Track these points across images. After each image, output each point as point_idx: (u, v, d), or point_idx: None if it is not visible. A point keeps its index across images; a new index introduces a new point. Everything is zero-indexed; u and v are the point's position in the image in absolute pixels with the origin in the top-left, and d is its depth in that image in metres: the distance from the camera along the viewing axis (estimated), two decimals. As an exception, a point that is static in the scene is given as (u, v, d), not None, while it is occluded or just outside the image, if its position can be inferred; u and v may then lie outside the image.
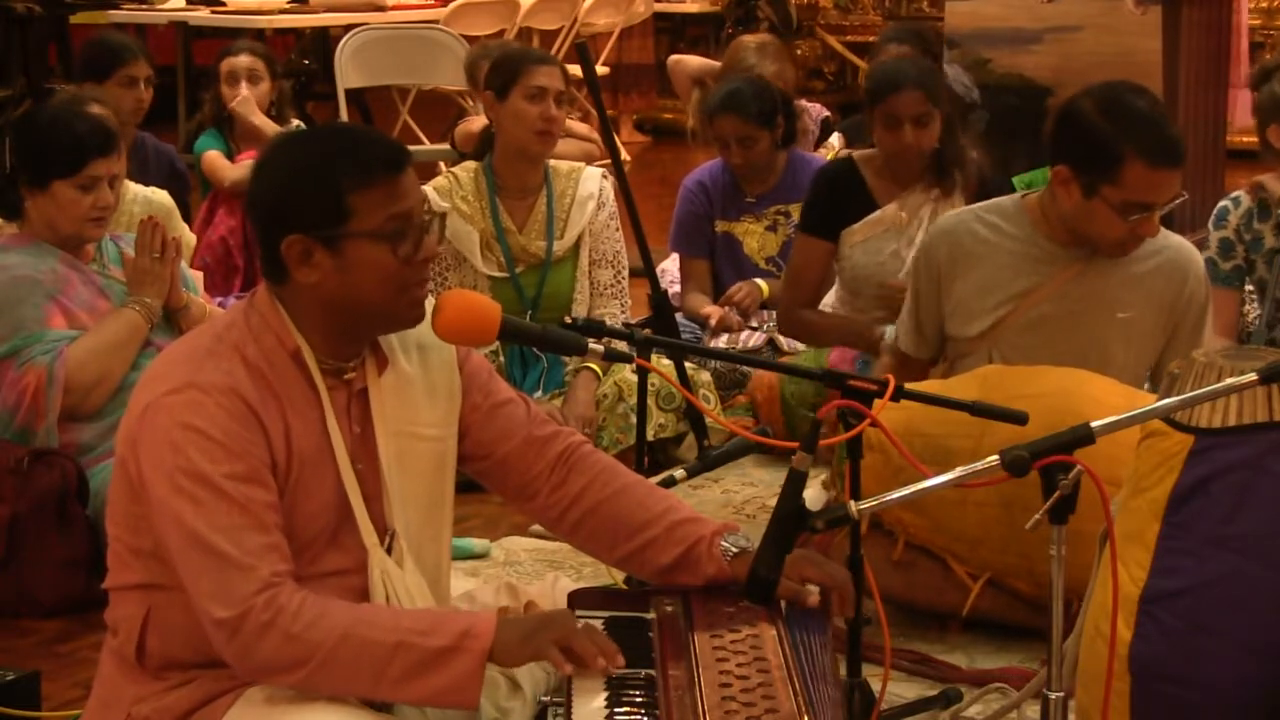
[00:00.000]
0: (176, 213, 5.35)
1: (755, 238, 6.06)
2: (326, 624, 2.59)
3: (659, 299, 4.35)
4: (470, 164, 5.38)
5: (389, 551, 2.82)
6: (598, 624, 2.69)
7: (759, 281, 5.96)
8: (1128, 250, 4.05)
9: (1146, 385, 4.26)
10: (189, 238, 5.54)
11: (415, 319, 2.81)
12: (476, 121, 7.10)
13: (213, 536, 2.61)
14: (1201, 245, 5.01)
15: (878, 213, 5.19)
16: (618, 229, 5.37)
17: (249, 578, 2.60)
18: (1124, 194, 3.91)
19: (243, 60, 6.61)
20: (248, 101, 6.54)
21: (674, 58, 8.45)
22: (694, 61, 8.20)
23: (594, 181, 5.35)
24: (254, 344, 2.75)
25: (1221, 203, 4.96)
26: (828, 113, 7.20)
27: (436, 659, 2.59)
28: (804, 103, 7.33)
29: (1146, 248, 4.10)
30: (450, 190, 5.28)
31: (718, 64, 7.45)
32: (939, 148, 5.19)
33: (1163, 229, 4.15)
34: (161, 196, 5.31)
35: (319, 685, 2.63)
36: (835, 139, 6.84)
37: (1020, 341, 4.13)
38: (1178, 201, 3.97)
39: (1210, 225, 4.94)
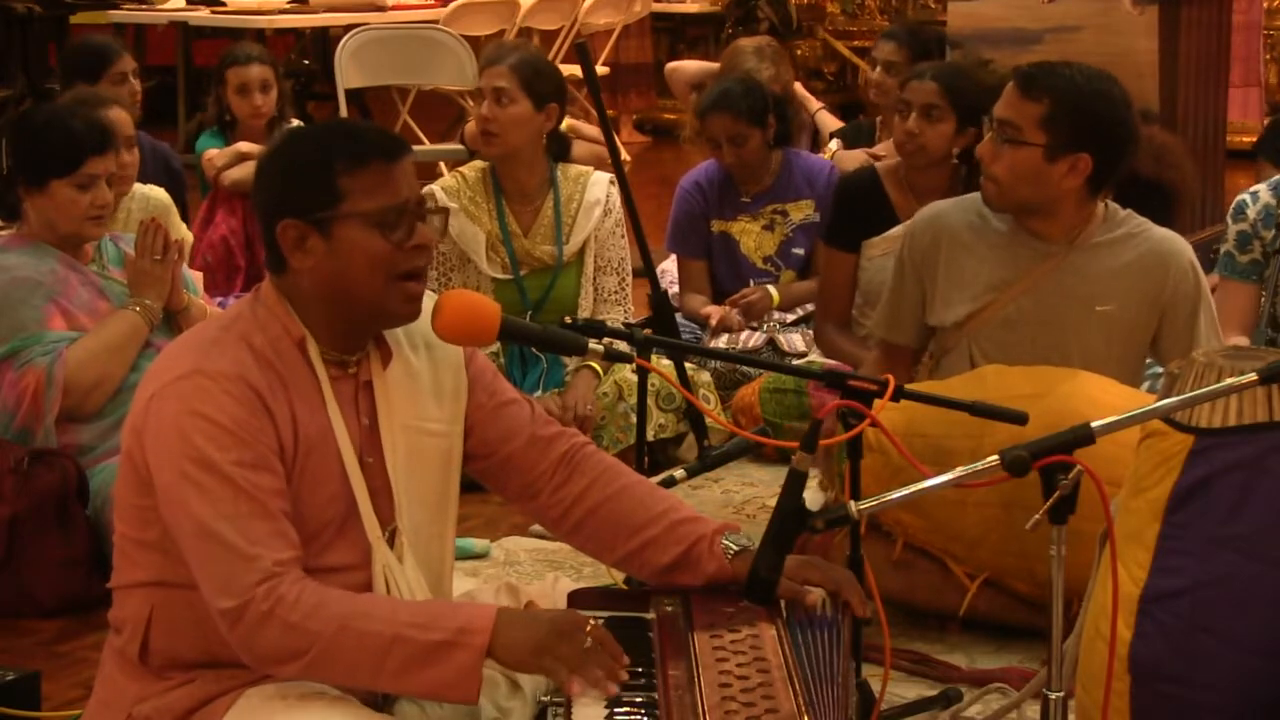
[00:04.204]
0: (175, 211, 5.34)
1: (752, 237, 6.06)
2: (325, 614, 2.60)
3: (659, 299, 4.35)
4: (478, 164, 5.37)
5: (391, 546, 2.83)
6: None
7: (771, 290, 5.96)
8: (986, 190, 4.07)
9: (1146, 385, 4.25)
10: (186, 236, 5.54)
11: (409, 314, 2.81)
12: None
13: (218, 525, 2.61)
14: (1218, 239, 5.00)
15: (896, 229, 5.17)
16: (623, 235, 5.36)
17: (251, 567, 2.61)
18: None
19: (254, 71, 6.58)
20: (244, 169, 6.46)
21: (670, 65, 8.47)
22: (691, 67, 8.21)
23: (601, 187, 5.35)
24: (260, 333, 2.76)
25: (1240, 196, 4.95)
26: (838, 124, 7.21)
27: (433, 653, 2.59)
28: (824, 113, 7.34)
29: (1128, 241, 4.10)
30: (458, 190, 5.28)
31: (715, 66, 7.46)
32: (966, 165, 5.16)
33: (1148, 222, 4.16)
34: (159, 194, 5.31)
35: (320, 675, 2.64)
36: (834, 143, 6.85)
37: (1000, 336, 4.12)
38: (1005, 132, 3.97)
39: (1229, 218, 4.93)
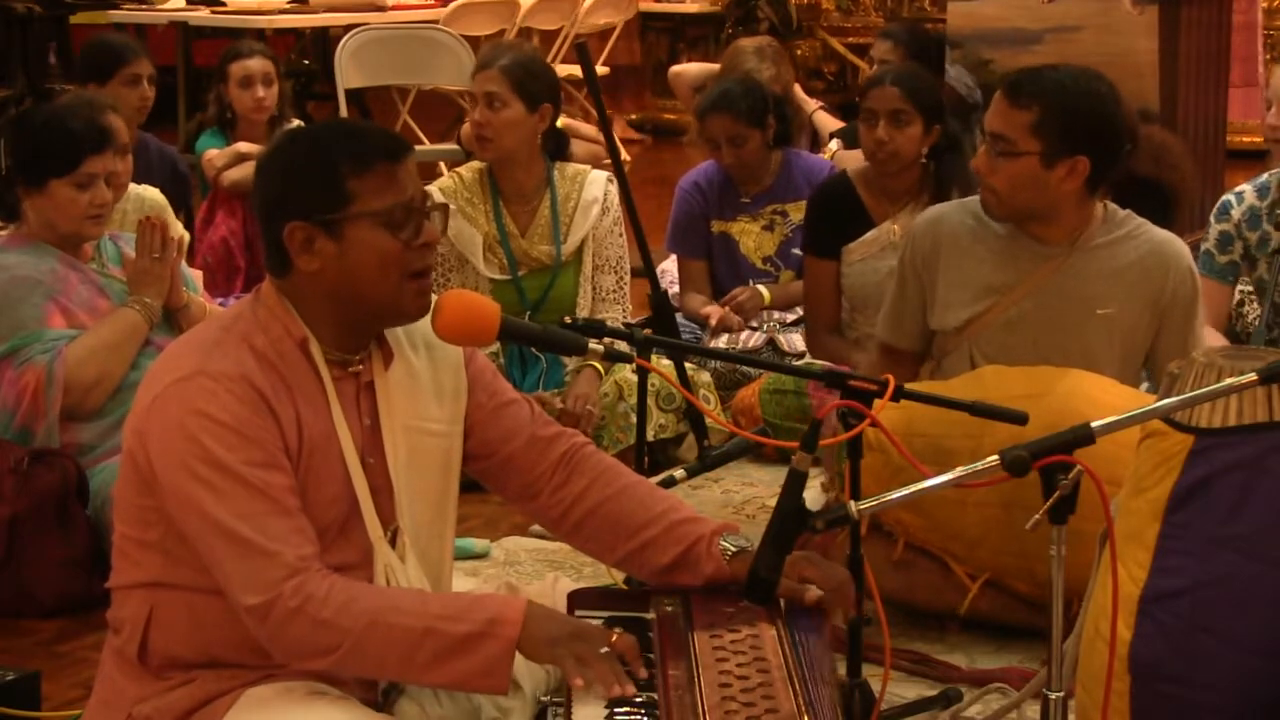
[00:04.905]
0: (169, 210, 5.34)
1: (752, 237, 6.06)
2: (355, 609, 2.61)
3: (659, 299, 4.35)
4: (475, 164, 5.37)
5: (393, 546, 2.83)
6: (598, 623, 2.69)
7: (761, 289, 5.97)
8: (985, 200, 4.07)
9: (1145, 385, 4.25)
10: (183, 234, 5.53)
11: (419, 310, 2.81)
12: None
13: (236, 524, 2.62)
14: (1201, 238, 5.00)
15: (873, 232, 5.21)
16: (621, 234, 5.36)
17: (275, 563, 2.61)
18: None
19: (256, 64, 6.59)
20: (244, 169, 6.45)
21: (674, 70, 8.48)
22: (693, 69, 8.23)
23: (598, 186, 5.34)
24: (262, 334, 2.76)
25: (1225, 196, 4.94)
26: (836, 124, 7.22)
27: (464, 644, 2.60)
28: (822, 113, 7.35)
29: (1128, 242, 4.11)
30: (455, 191, 5.28)
31: (717, 67, 7.47)
32: (936, 163, 5.18)
33: (1147, 223, 4.16)
34: (154, 194, 5.30)
35: (350, 669, 2.66)
36: (834, 144, 6.86)
37: (1001, 339, 4.12)
38: (999, 146, 3.97)
39: (1212, 218, 4.92)
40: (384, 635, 2.61)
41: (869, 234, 5.21)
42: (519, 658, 2.65)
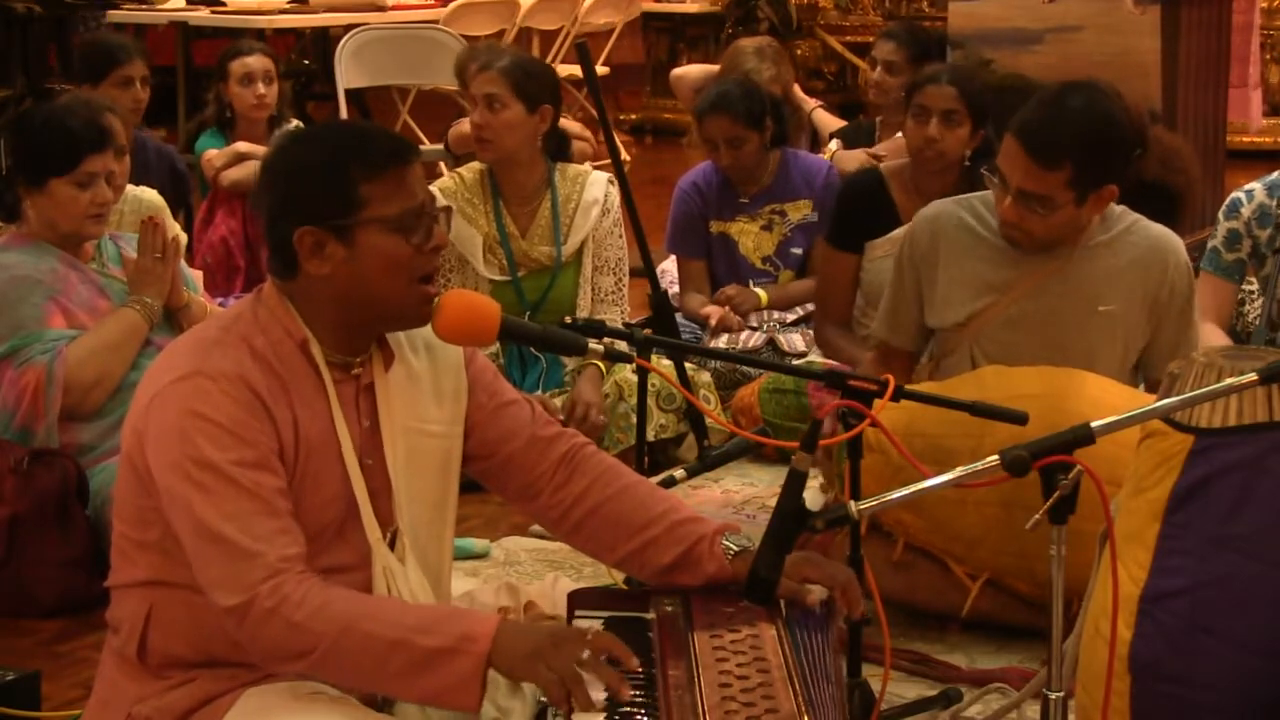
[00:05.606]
0: (167, 210, 5.34)
1: (750, 237, 6.06)
2: (329, 614, 2.59)
3: (659, 299, 4.35)
4: (475, 165, 5.36)
5: (392, 548, 2.83)
6: (598, 624, 2.69)
7: (759, 291, 5.96)
8: (1011, 237, 4.06)
9: (1142, 386, 4.26)
10: (180, 235, 5.53)
11: (424, 317, 2.81)
12: (468, 123, 7.10)
13: (221, 525, 2.61)
14: (1209, 235, 5.00)
15: (899, 230, 5.16)
16: (621, 235, 5.35)
17: (255, 564, 2.60)
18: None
19: (256, 61, 6.60)
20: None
21: (675, 72, 8.49)
22: (695, 72, 8.23)
23: (599, 187, 5.33)
24: (262, 335, 2.76)
25: (1234, 194, 4.93)
26: (836, 124, 7.21)
27: (434, 659, 2.58)
28: (821, 112, 7.33)
29: (1126, 239, 4.11)
30: (455, 192, 5.27)
31: (717, 68, 7.47)
32: (972, 166, 5.16)
33: (1142, 218, 4.16)
34: (151, 195, 5.30)
35: (325, 674, 2.65)
36: (834, 144, 6.85)
37: (1002, 337, 4.12)
38: (1033, 205, 3.94)
39: (1220, 215, 4.92)
40: (357, 643, 2.59)
41: (896, 231, 5.17)
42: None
